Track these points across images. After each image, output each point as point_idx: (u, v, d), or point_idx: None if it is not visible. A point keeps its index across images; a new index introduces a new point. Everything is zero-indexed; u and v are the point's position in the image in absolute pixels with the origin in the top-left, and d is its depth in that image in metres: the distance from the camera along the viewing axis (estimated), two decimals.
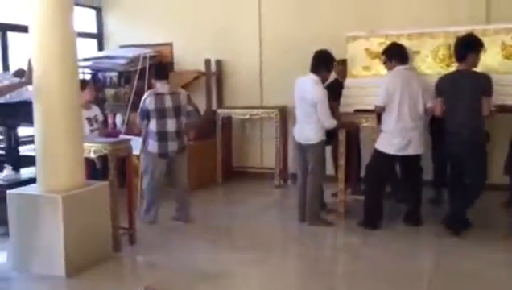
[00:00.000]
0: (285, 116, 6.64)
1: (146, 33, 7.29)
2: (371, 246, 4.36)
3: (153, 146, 4.82)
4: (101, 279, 3.72)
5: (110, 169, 4.17)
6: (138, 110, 4.94)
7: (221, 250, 4.32)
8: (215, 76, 7.02)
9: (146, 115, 4.84)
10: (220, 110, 6.83)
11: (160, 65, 5.47)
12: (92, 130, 4.87)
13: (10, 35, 6.35)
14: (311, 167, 4.79)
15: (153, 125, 4.81)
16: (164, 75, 4.99)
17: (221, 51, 7.01)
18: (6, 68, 6.24)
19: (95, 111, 5.12)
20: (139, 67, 6.66)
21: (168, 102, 4.82)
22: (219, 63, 7.03)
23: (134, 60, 6.68)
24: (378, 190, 4.74)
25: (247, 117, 6.72)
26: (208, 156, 6.64)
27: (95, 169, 4.60)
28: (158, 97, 4.81)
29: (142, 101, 4.90)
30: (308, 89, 4.66)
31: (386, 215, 4.78)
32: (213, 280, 3.67)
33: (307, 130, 4.73)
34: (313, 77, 4.69)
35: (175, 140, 4.86)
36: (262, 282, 3.71)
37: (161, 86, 4.87)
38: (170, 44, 7.28)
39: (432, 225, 4.67)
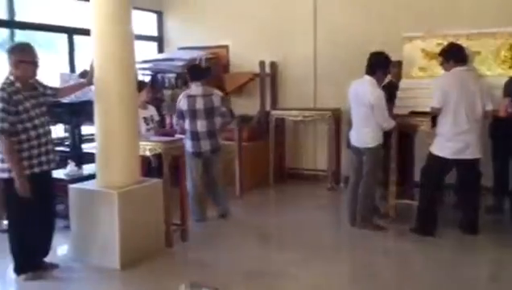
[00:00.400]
0: (338, 118, 6.59)
1: (204, 36, 7.47)
2: (423, 253, 4.24)
3: (188, 145, 5.00)
4: (153, 272, 3.86)
5: (164, 167, 4.32)
6: None
7: (270, 251, 4.36)
8: (269, 78, 7.07)
9: (181, 116, 5.07)
10: (273, 112, 6.88)
11: (195, 67, 5.59)
12: (148, 130, 5.06)
13: (76, 38, 6.72)
14: (366, 170, 4.73)
15: (187, 125, 5.03)
16: (198, 77, 5.14)
17: (276, 53, 7.06)
18: (72, 69, 6.60)
19: (151, 111, 5.32)
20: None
21: (200, 104, 4.98)
22: (273, 65, 7.08)
23: (190, 62, 6.86)
24: (433, 195, 4.60)
25: (300, 118, 6.72)
26: (261, 158, 6.70)
27: (151, 167, 4.79)
28: (191, 98, 5.01)
29: (177, 102, 5.14)
30: (365, 92, 4.60)
31: (441, 221, 4.63)
32: (259, 280, 3.72)
33: (364, 133, 4.68)
34: (370, 80, 4.62)
35: (207, 140, 5.01)
36: (308, 284, 3.71)
37: (195, 88, 5.06)
38: (226, 47, 7.42)
39: (490, 234, 4.47)
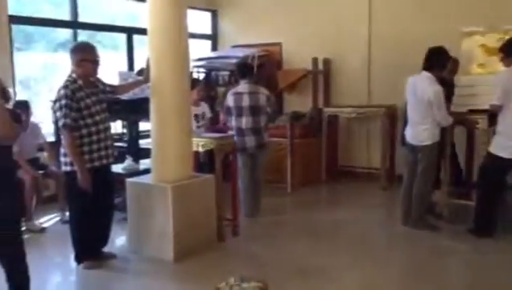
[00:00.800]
0: (393, 115, 6.45)
1: (257, 33, 7.53)
2: (480, 255, 4.10)
3: (235, 141, 5.04)
4: (205, 266, 3.95)
5: (216, 163, 4.41)
6: None
7: (319, 248, 4.35)
8: (322, 75, 7.03)
9: (228, 112, 5.20)
10: (326, 109, 6.83)
11: (243, 65, 5.65)
12: (198, 127, 5.17)
13: (135, 37, 6.96)
14: (421, 169, 4.62)
15: (233, 121, 5.16)
16: (246, 74, 5.23)
17: (329, 50, 7.00)
18: (130, 67, 6.85)
19: (203, 108, 5.43)
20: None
21: (245, 101, 5.08)
22: (327, 61, 7.03)
23: (243, 60, 6.93)
24: (491, 196, 4.42)
25: (354, 116, 6.63)
26: (313, 155, 6.68)
27: (200, 163, 4.90)
28: (238, 95, 5.12)
29: (225, 99, 5.26)
30: (424, 88, 4.48)
31: (501, 222, 4.45)
32: (308, 277, 3.72)
33: (421, 130, 4.56)
34: (428, 76, 4.50)
35: (252, 136, 5.09)
36: (358, 284, 3.68)
37: (242, 85, 5.16)
38: (279, 44, 7.45)
39: None
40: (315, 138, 6.77)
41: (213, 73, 7.47)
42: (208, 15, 8.13)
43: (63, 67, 6.57)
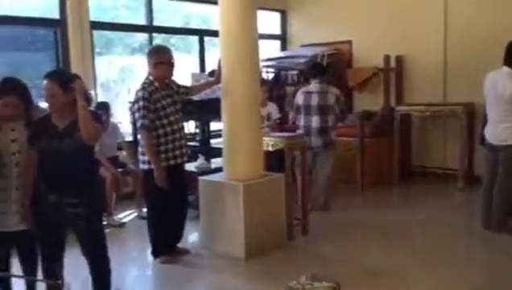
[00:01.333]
0: (472, 113, 6.15)
1: (327, 32, 7.46)
2: None
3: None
4: (276, 264, 3.98)
5: (285, 162, 4.43)
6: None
7: (393, 249, 4.24)
8: (394, 73, 6.84)
9: (297, 110, 5.29)
10: (398, 107, 6.64)
11: (314, 65, 5.66)
12: (263, 127, 5.20)
13: (207, 39, 7.14)
14: (503, 169, 4.38)
15: (302, 120, 5.24)
16: (316, 74, 5.30)
17: (402, 47, 6.80)
18: (202, 69, 7.04)
19: (269, 109, 5.47)
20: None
21: (314, 100, 5.16)
22: (399, 59, 6.83)
23: (312, 59, 6.90)
24: None
25: (428, 114, 6.40)
26: (385, 154, 6.52)
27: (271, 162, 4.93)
28: (307, 94, 5.22)
29: (295, 98, 5.37)
30: (504, 84, 4.25)
31: None
32: (379, 279, 3.65)
33: (502, 129, 4.33)
34: (508, 71, 4.26)
35: (318, 136, 5.15)
36: (431, 286, 3.55)
37: (313, 85, 5.25)
38: (349, 42, 7.34)
39: None
40: (387, 138, 6.59)
41: (282, 73, 7.50)
42: (277, 16, 8.17)
43: (139, 69, 6.92)
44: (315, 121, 5.15)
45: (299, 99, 5.27)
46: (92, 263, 2.92)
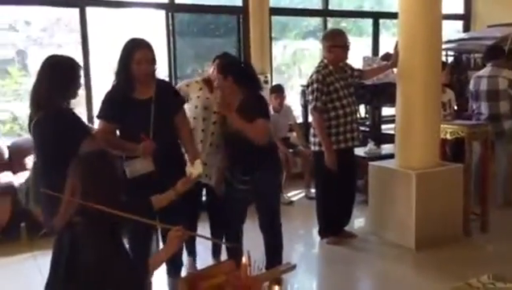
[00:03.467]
0: None
1: None
2: None
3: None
4: (449, 258, 3.76)
5: (466, 152, 4.11)
6: None
7: None
8: None
9: (471, 96, 5.07)
10: None
11: (491, 47, 5.24)
12: (445, 116, 4.87)
13: (381, 22, 6.93)
14: None
15: (473, 106, 5.02)
16: (490, 57, 5.00)
17: None
18: (375, 52, 6.86)
19: (449, 95, 5.09)
20: (507, 47, 6.15)
21: (483, 85, 4.86)
22: None
23: (502, 40, 6.21)
24: None
25: None
26: None
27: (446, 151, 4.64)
28: (477, 79, 4.97)
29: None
30: None
31: None
32: None
33: None
34: None
35: (490, 123, 4.68)
36: None
37: (485, 68, 4.96)
38: None
39: None
40: None
41: (464, 56, 6.90)
42: None
43: (311, 53, 7.05)
44: (484, 107, 4.85)
45: (471, 84, 5.04)
46: (267, 236, 3.12)
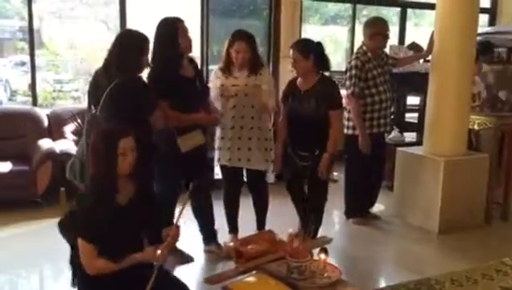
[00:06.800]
0: None
1: None
2: None
3: None
4: (470, 242, 3.96)
5: (491, 142, 4.28)
6: None
7: None
8: None
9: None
10: None
11: None
12: (473, 107, 5.00)
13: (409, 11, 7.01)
14: None
15: None
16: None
17: None
18: (401, 41, 6.95)
19: (479, 87, 5.21)
20: None
21: None
22: None
23: None
24: None
25: None
26: None
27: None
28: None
29: None
30: None
31: None
32: None
33: None
34: None
35: None
36: None
37: None
38: None
39: None
40: None
41: None
42: None
43: (332, 39, 7.15)
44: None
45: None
46: (313, 210, 3.31)
